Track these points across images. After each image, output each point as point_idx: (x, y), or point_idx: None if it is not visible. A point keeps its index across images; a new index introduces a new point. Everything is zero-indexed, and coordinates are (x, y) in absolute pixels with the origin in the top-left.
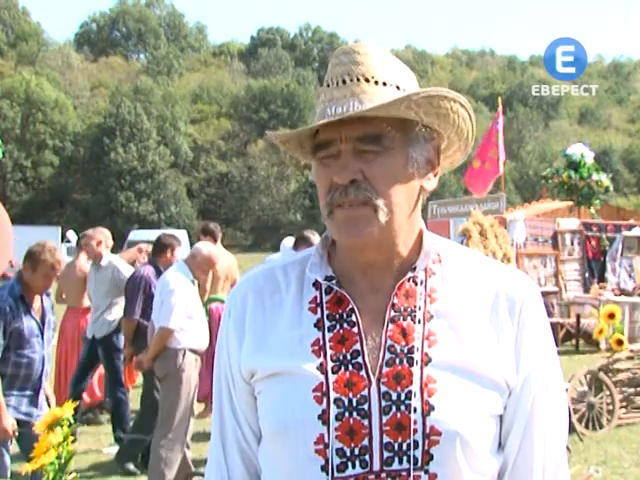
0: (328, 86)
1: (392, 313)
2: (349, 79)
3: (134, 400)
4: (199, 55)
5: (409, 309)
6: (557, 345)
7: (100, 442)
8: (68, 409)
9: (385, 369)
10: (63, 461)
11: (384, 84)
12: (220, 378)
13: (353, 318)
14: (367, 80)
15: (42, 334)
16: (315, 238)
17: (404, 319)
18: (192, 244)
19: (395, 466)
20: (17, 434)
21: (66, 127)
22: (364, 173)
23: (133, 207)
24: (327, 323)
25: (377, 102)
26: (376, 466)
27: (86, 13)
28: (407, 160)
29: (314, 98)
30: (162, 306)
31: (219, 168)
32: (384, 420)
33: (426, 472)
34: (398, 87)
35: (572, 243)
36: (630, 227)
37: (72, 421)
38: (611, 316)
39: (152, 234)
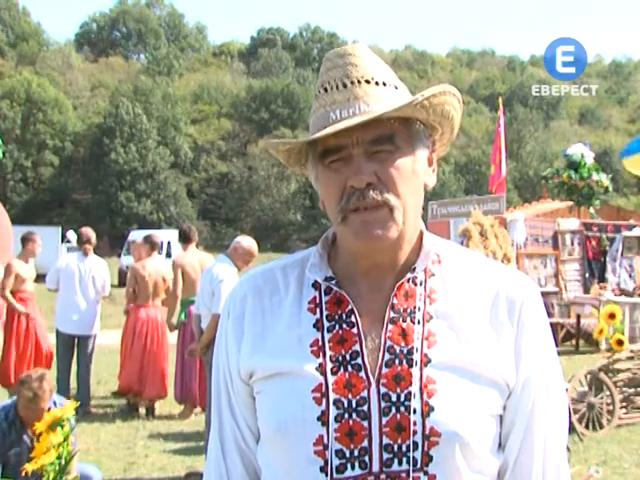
0: (326, 90)
1: (391, 314)
2: (349, 82)
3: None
4: (199, 55)
5: (409, 310)
6: (557, 345)
7: (100, 442)
8: (69, 409)
9: (385, 370)
10: (63, 461)
11: (384, 84)
12: (218, 379)
13: (352, 319)
14: (367, 82)
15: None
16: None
17: (404, 320)
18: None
19: (394, 467)
20: None
21: (66, 127)
22: (378, 175)
23: (133, 207)
24: (326, 324)
25: (382, 103)
26: (375, 467)
27: (86, 13)
28: (414, 158)
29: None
30: (214, 296)
31: (219, 168)
32: (384, 421)
33: (425, 473)
34: (396, 87)
35: (572, 243)
36: (630, 227)
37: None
38: (611, 316)
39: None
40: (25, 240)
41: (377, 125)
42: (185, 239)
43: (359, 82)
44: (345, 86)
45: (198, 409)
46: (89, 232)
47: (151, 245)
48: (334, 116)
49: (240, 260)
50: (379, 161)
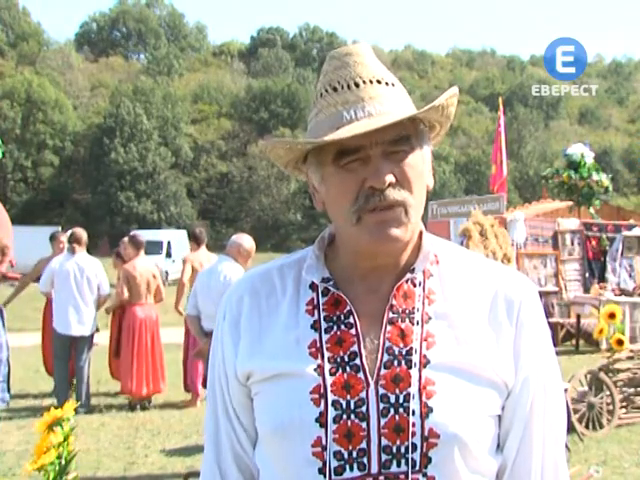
0: (335, 89)
1: (390, 315)
2: (361, 81)
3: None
4: (199, 55)
5: (407, 311)
6: (557, 345)
7: (100, 442)
8: (69, 409)
9: (383, 371)
10: (64, 462)
11: (392, 85)
12: (214, 382)
13: (351, 320)
14: (379, 82)
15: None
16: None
17: (402, 321)
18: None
19: (393, 469)
20: None
21: (66, 127)
22: (395, 174)
23: (133, 207)
24: (324, 325)
25: (392, 103)
26: (374, 469)
27: (86, 13)
28: (423, 158)
29: None
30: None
31: (219, 168)
32: (382, 423)
33: (424, 475)
34: (400, 87)
35: (572, 243)
36: (630, 227)
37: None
38: (611, 316)
39: (152, 234)
40: (53, 239)
41: (395, 126)
42: (196, 241)
43: (371, 82)
44: (357, 85)
45: (198, 407)
46: (80, 232)
47: (135, 245)
48: (348, 116)
49: (242, 259)
50: (396, 161)
